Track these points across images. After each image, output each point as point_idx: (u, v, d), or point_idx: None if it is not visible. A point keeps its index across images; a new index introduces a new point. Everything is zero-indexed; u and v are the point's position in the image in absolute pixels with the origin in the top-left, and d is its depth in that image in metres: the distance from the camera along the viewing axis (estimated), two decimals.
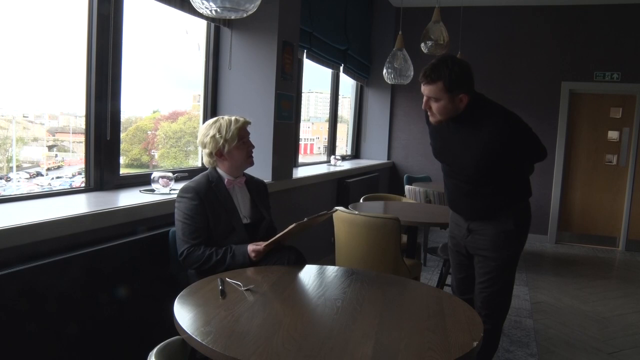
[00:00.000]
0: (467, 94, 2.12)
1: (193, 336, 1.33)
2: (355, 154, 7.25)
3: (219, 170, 2.32)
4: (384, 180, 6.97)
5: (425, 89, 2.15)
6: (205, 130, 2.31)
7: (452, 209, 2.46)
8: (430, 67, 2.13)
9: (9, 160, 2.45)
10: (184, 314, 1.49)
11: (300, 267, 2.09)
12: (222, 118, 2.32)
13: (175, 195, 2.55)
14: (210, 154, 2.30)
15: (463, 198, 2.35)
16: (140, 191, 2.65)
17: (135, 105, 3.10)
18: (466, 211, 2.36)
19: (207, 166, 2.35)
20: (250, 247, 2.13)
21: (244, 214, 2.31)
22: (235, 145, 2.27)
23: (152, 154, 3.40)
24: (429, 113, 2.22)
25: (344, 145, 7.04)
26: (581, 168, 6.61)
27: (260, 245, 2.12)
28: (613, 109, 6.47)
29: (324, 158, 6.00)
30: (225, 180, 2.30)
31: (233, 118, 2.32)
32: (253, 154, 2.37)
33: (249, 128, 2.39)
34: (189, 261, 2.14)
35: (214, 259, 2.11)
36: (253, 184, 2.45)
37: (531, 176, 2.39)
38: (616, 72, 6.29)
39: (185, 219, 2.17)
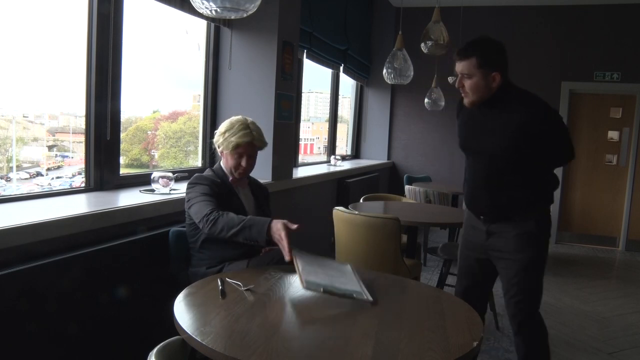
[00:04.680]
0: (500, 73, 2.12)
1: (193, 336, 1.33)
2: (355, 154, 7.25)
3: (224, 167, 2.35)
4: (384, 180, 6.97)
5: (459, 66, 2.16)
6: (224, 123, 2.33)
7: (470, 208, 2.39)
8: (465, 44, 2.15)
9: (9, 160, 2.45)
10: (184, 314, 1.48)
11: None
12: (243, 124, 2.28)
13: (175, 195, 2.56)
14: (215, 144, 2.36)
15: (483, 195, 2.29)
16: (140, 191, 2.65)
17: (135, 105, 3.10)
18: (485, 210, 2.29)
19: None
20: (279, 231, 1.92)
21: (248, 213, 2.32)
22: (228, 152, 2.28)
23: (152, 154, 3.40)
24: (462, 94, 2.21)
25: (344, 145, 7.04)
26: (581, 168, 6.61)
27: (286, 247, 1.91)
28: (613, 109, 6.47)
29: (324, 158, 6.00)
30: (230, 178, 2.33)
31: (247, 131, 2.26)
32: (248, 169, 2.32)
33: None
34: (214, 225, 2.03)
35: (231, 217, 2.03)
36: (256, 187, 2.48)
37: None
38: (616, 72, 6.29)
39: (202, 196, 2.14)
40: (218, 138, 2.32)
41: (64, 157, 2.71)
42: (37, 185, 2.56)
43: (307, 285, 1.64)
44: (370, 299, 1.65)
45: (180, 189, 2.62)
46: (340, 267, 1.91)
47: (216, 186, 2.23)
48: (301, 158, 5.28)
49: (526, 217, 2.21)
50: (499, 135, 2.16)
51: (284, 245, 1.91)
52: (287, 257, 1.88)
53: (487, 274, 2.41)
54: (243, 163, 2.28)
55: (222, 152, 2.33)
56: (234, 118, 2.34)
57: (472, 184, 2.35)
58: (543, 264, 2.27)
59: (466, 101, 2.23)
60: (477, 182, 2.32)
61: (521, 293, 2.24)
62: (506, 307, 2.32)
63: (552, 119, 2.14)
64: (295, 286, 1.80)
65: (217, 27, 3.55)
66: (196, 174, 2.30)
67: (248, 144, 2.27)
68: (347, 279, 1.79)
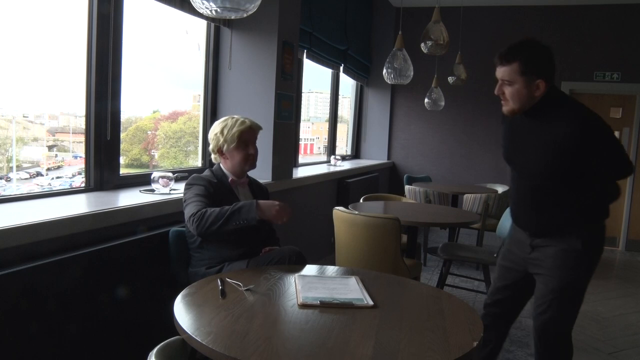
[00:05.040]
0: (544, 80, 1.94)
1: (193, 336, 1.33)
2: (355, 154, 7.26)
3: (223, 168, 2.35)
4: (384, 180, 6.97)
5: (499, 71, 2.00)
6: (213, 127, 2.36)
7: (516, 223, 2.23)
8: (507, 48, 1.98)
9: (9, 160, 2.45)
10: (184, 314, 1.48)
11: (300, 267, 2.09)
12: (232, 118, 2.34)
13: (175, 195, 2.56)
14: (213, 151, 2.36)
15: (528, 210, 2.13)
16: (140, 191, 2.65)
17: (135, 105, 3.10)
18: (530, 226, 2.14)
19: (214, 162, 2.40)
20: (271, 202, 2.04)
21: None
22: (234, 147, 2.28)
23: (152, 154, 3.40)
24: (502, 101, 2.06)
25: (344, 145, 7.04)
26: None
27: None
28: (613, 109, 6.47)
29: (324, 158, 6.00)
30: (229, 178, 2.33)
31: (240, 120, 2.32)
32: (256, 156, 2.35)
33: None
34: (200, 221, 2.03)
35: (217, 210, 2.04)
36: (256, 186, 2.48)
37: None
38: (616, 72, 6.29)
39: (195, 197, 2.15)
40: (217, 138, 2.31)
41: (76, 157, 2.71)
42: (37, 185, 2.56)
43: (304, 299, 1.63)
44: (371, 303, 1.65)
45: (180, 189, 2.62)
46: (344, 280, 1.89)
47: (212, 186, 2.23)
48: (301, 158, 5.29)
49: (574, 236, 2.03)
50: (541, 151, 1.99)
51: (281, 207, 2.01)
52: (287, 214, 2.04)
53: (526, 289, 2.26)
54: (251, 150, 2.32)
55: (224, 153, 2.32)
56: (220, 119, 2.37)
57: (516, 199, 2.21)
58: (584, 286, 2.09)
59: (505, 109, 2.05)
60: (522, 197, 2.17)
61: (551, 311, 2.07)
62: (533, 322, 2.15)
63: (597, 135, 1.92)
64: (295, 286, 1.80)
65: (217, 27, 3.55)
66: (194, 175, 2.30)
67: (249, 129, 2.31)
68: (349, 289, 1.77)
